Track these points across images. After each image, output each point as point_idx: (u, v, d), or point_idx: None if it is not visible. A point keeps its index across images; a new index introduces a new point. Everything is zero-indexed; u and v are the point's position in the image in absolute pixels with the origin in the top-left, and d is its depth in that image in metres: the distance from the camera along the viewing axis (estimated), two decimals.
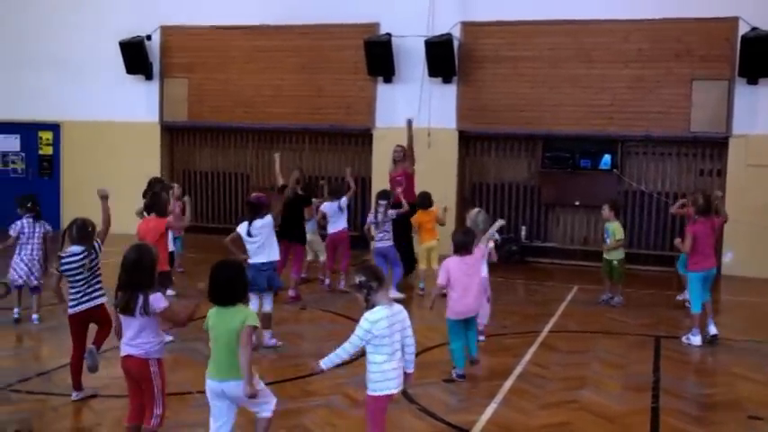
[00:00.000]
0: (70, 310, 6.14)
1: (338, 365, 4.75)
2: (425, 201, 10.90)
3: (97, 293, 6.19)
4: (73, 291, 6.12)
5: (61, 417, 5.89)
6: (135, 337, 4.78)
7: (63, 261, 6.09)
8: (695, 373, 7.74)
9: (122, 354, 4.86)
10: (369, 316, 4.54)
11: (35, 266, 8.51)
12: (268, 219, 7.68)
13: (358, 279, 4.61)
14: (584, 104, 13.69)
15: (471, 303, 6.82)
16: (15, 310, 8.54)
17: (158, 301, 4.74)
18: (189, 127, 16.31)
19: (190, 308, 4.99)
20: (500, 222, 7.49)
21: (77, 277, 6.09)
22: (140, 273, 4.76)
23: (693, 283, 8.59)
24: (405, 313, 4.74)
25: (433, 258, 10.75)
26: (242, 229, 7.65)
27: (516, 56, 13.93)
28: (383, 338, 4.53)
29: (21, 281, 8.49)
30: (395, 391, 4.66)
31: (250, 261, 7.49)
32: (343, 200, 10.67)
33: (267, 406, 4.70)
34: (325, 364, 4.64)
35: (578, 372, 7.34)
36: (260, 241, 7.60)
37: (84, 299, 6.12)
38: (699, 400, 6.68)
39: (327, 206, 10.74)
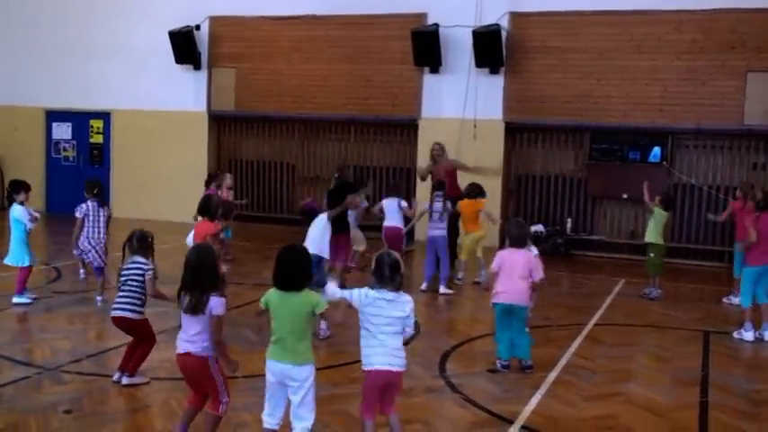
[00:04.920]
0: (114, 312, 6.23)
1: None
2: (474, 191, 10.81)
3: (142, 308, 6.21)
4: (119, 295, 6.20)
5: (110, 398, 5.99)
6: (196, 335, 4.78)
7: (125, 270, 6.15)
8: (746, 368, 7.58)
9: (180, 351, 4.83)
10: (366, 289, 4.75)
11: (101, 249, 8.72)
12: (324, 220, 7.91)
13: (372, 264, 4.82)
14: (633, 96, 13.49)
15: (513, 293, 6.79)
16: (98, 298, 8.74)
17: (218, 306, 4.76)
18: (236, 116, 16.47)
19: (226, 351, 4.92)
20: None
21: (133, 286, 6.14)
22: (203, 274, 4.77)
23: (747, 277, 8.42)
24: (409, 304, 4.77)
25: (478, 249, 10.73)
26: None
27: (564, 47, 13.78)
28: (368, 315, 4.68)
29: (94, 263, 8.78)
30: (377, 368, 4.69)
31: None
32: (404, 203, 10.62)
33: (309, 415, 4.65)
34: (324, 294, 4.85)
35: (625, 365, 7.24)
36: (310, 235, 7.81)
37: (129, 307, 6.15)
38: (749, 395, 6.53)
39: (387, 202, 10.64)
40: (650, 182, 10.82)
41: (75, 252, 8.96)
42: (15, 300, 8.75)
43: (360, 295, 4.72)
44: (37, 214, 9.13)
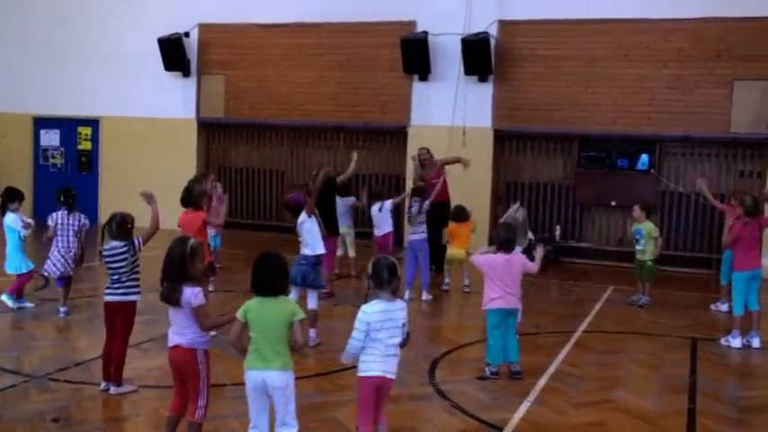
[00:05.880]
0: (104, 298, 6.25)
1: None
2: (460, 213, 10.80)
3: (129, 290, 6.21)
4: (109, 281, 6.21)
5: (98, 406, 5.97)
6: (183, 328, 4.82)
7: (105, 254, 6.18)
8: (734, 375, 7.62)
9: (170, 344, 4.90)
10: (365, 308, 4.74)
11: (71, 258, 8.65)
12: (303, 216, 7.90)
13: (368, 270, 4.81)
14: (621, 104, 13.55)
15: (510, 297, 6.82)
16: (62, 309, 8.66)
17: (195, 296, 4.78)
18: (225, 124, 16.44)
19: (222, 319, 5.00)
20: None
21: (115, 269, 6.16)
22: (177, 264, 4.81)
23: (738, 284, 8.43)
24: (404, 311, 4.83)
25: (462, 262, 10.69)
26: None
27: (553, 54, 13.83)
28: (377, 332, 4.69)
29: (58, 272, 8.64)
30: (377, 374, 4.72)
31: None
32: (387, 204, 10.63)
33: (293, 422, 4.67)
34: (346, 357, 4.84)
35: (613, 372, 7.27)
36: (304, 239, 7.85)
37: (118, 290, 6.18)
38: (737, 402, 6.57)
39: (373, 208, 10.69)
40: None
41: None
42: (14, 304, 8.84)
43: (361, 322, 4.68)
44: (30, 221, 9.14)
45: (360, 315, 4.71)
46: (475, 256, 7.03)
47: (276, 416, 4.64)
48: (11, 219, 8.92)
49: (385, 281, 4.73)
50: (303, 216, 7.90)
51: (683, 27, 13.12)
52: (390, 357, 4.74)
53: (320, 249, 7.90)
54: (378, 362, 4.71)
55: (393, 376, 4.81)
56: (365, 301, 4.81)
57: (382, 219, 10.55)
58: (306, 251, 7.83)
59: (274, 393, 4.59)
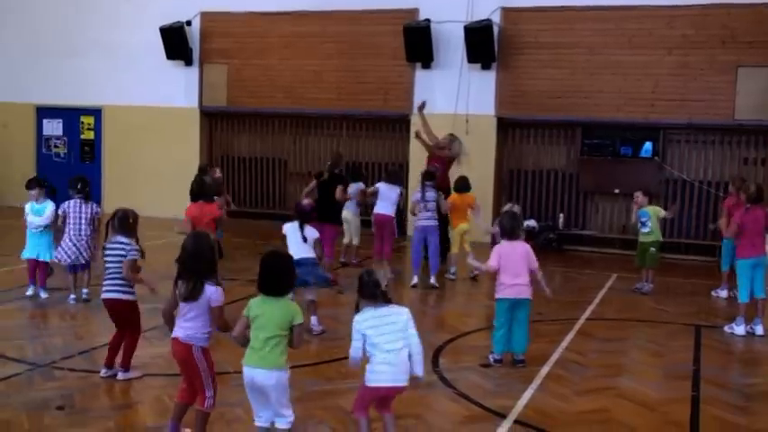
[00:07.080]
0: (102, 295, 6.27)
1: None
2: (463, 185, 10.87)
3: (125, 287, 6.19)
4: (105, 277, 6.23)
5: (102, 394, 5.98)
6: (187, 321, 4.81)
7: (108, 247, 6.21)
8: (737, 362, 7.62)
9: (172, 335, 4.90)
10: (356, 317, 4.76)
11: (83, 246, 8.65)
12: (316, 233, 7.75)
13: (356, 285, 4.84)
14: (625, 91, 13.51)
15: (522, 285, 6.76)
16: (71, 296, 8.70)
17: (217, 295, 4.78)
18: (228, 112, 16.42)
19: (237, 331, 4.92)
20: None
21: (114, 264, 6.17)
22: (200, 260, 4.79)
23: (742, 271, 8.40)
24: (405, 315, 4.78)
25: (465, 241, 10.72)
26: (291, 229, 7.68)
27: (556, 42, 13.78)
28: (374, 337, 4.66)
29: (69, 260, 8.65)
30: (381, 385, 4.69)
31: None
32: (401, 192, 10.63)
33: (288, 413, 4.69)
34: (350, 365, 4.85)
35: (616, 359, 7.27)
36: (309, 245, 7.66)
37: (113, 287, 6.18)
38: (741, 389, 6.57)
39: (385, 188, 10.48)
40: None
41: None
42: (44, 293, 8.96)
43: (356, 331, 4.69)
44: (40, 218, 8.90)
45: (353, 324, 4.73)
46: (488, 263, 6.93)
47: (270, 407, 4.68)
48: (26, 207, 8.97)
49: (368, 295, 4.74)
50: (316, 233, 7.76)
51: (687, 13, 13.07)
52: (397, 365, 4.67)
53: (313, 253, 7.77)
54: (381, 372, 4.67)
55: (404, 384, 4.76)
56: (356, 311, 4.80)
57: (389, 201, 10.44)
58: (302, 253, 7.46)
59: (265, 391, 4.60)
